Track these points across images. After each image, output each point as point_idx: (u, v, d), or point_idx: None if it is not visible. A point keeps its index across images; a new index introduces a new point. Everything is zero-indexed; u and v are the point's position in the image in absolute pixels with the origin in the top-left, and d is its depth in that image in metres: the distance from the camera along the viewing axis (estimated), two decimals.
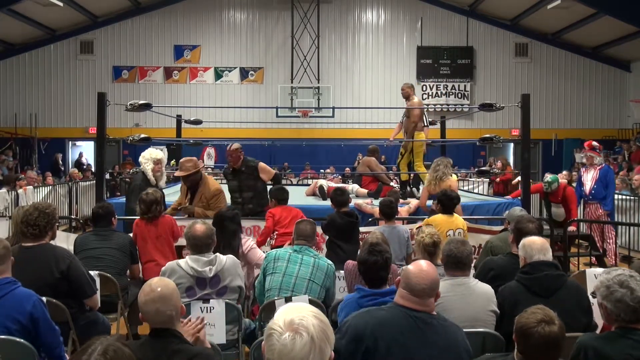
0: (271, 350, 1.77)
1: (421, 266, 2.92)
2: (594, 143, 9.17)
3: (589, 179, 8.89)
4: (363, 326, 2.72)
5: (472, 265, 5.56)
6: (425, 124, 9.53)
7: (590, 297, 3.53)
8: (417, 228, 5.48)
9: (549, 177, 8.75)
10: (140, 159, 7.06)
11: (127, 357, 1.99)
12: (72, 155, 21.92)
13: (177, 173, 6.69)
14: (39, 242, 4.06)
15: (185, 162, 6.58)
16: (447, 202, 6.04)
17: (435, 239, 4.45)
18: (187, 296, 3.97)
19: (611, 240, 8.48)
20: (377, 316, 2.81)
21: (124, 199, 7.84)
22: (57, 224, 4.38)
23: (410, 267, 2.93)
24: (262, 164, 7.20)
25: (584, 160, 9.25)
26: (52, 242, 4.22)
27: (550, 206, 8.75)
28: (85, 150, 21.82)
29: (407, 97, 9.27)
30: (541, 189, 8.83)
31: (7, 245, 3.49)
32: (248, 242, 5.20)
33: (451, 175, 7.57)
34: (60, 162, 20.22)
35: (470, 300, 3.65)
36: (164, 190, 7.06)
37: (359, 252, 4.05)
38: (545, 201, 8.95)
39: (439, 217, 5.96)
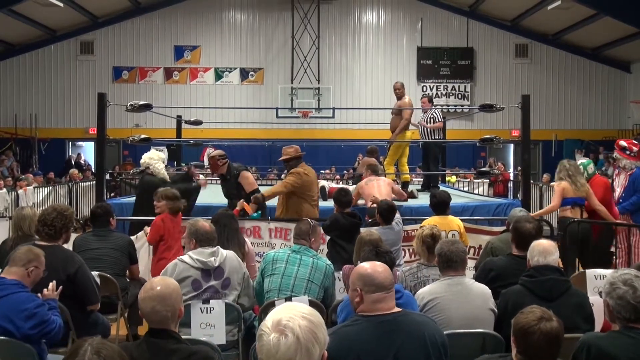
0: (260, 351, 1.83)
1: (372, 265, 2.86)
2: (622, 143, 7.64)
3: (618, 184, 7.63)
4: (337, 349, 2.63)
5: (473, 265, 5.62)
6: (440, 119, 9.63)
7: (597, 296, 3.54)
8: (420, 227, 5.48)
9: (583, 161, 7.28)
10: (149, 160, 7.17)
11: (117, 354, 2.02)
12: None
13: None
14: (52, 243, 4.10)
15: (287, 148, 6.99)
16: (436, 204, 6.10)
17: (435, 232, 4.45)
18: (193, 289, 3.99)
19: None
20: (344, 335, 2.73)
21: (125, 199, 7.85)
22: (73, 227, 4.40)
23: (364, 271, 2.83)
24: (245, 173, 6.98)
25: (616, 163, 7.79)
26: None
27: None
28: (85, 151, 21.81)
29: (400, 97, 9.42)
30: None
31: (37, 255, 3.60)
32: (251, 249, 5.21)
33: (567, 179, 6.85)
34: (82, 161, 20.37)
35: (469, 299, 3.65)
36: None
37: (360, 252, 4.03)
38: None
39: (432, 219, 5.96)
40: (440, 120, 9.59)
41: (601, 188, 7.11)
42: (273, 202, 7.48)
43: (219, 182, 11.85)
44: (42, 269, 3.61)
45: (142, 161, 7.41)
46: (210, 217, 4.99)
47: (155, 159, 7.22)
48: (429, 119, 9.71)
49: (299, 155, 6.93)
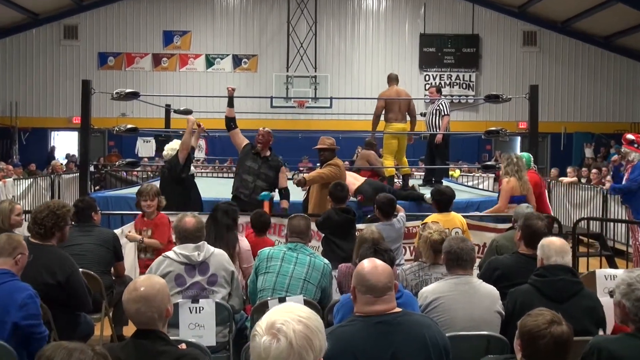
0: (252, 352, 1.82)
1: (372, 265, 2.86)
2: (629, 136, 7.82)
3: (624, 179, 7.92)
4: (333, 350, 2.61)
5: (476, 265, 5.61)
6: (446, 113, 9.38)
7: (608, 297, 3.53)
8: (422, 224, 5.47)
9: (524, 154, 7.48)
10: (171, 152, 7.17)
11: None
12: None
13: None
14: (45, 243, 4.10)
15: (326, 139, 7.55)
16: (439, 201, 6.10)
17: (444, 236, 4.43)
18: (176, 285, 4.00)
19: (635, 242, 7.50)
20: (341, 335, 2.75)
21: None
22: (69, 225, 4.38)
23: (361, 270, 2.84)
24: (284, 168, 7.38)
25: (617, 157, 8.08)
26: None
27: None
28: (69, 141, 21.72)
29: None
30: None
31: (19, 241, 3.66)
32: (246, 251, 5.16)
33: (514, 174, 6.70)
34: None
35: (475, 300, 3.64)
36: None
37: (359, 250, 4.02)
38: None
39: (434, 216, 5.95)
40: (446, 112, 9.34)
41: (531, 183, 7.01)
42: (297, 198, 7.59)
43: (212, 176, 11.86)
44: (27, 254, 3.69)
45: (164, 152, 7.44)
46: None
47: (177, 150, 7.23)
48: (435, 110, 9.45)
49: (335, 148, 7.40)
